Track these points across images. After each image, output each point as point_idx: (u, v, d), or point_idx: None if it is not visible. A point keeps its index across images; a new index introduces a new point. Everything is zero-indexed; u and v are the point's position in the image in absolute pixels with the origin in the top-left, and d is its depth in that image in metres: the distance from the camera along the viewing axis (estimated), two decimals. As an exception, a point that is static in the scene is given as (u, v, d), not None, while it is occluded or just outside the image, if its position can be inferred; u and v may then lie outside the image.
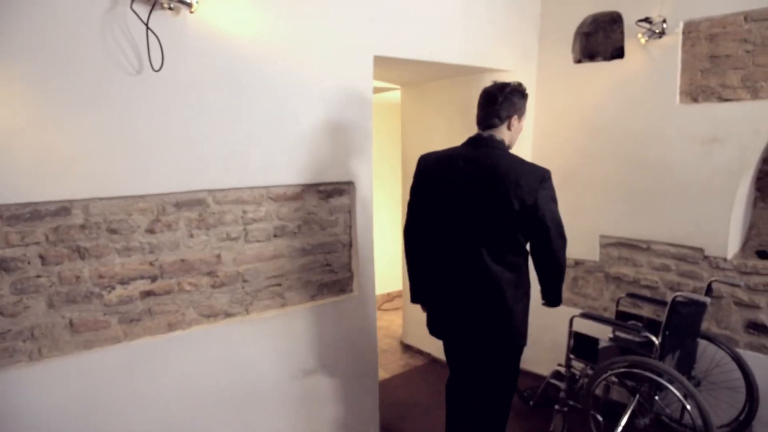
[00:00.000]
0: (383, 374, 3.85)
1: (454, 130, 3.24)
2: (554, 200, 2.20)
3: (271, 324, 2.55)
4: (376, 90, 4.29)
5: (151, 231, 2.20)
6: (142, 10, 2.00)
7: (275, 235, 2.56)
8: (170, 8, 2.07)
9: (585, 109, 3.45)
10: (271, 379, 2.58)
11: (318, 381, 2.76)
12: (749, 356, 2.86)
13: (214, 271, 2.38)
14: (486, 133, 2.24)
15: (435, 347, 4.09)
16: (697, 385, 2.99)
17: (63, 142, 1.93)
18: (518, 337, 2.29)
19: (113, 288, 2.13)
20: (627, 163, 3.27)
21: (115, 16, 1.97)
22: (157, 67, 2.07)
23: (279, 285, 2.59)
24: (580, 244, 3.52)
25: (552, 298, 2.37)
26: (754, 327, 2.89)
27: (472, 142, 2.27)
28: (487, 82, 2.34)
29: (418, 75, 3.68)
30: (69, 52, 1.90)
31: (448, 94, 3.79)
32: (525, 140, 3.67)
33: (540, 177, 2.16)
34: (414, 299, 2.51)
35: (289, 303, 2.63)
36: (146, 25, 2.01)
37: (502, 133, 2.25)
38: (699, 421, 2.39)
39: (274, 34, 2.39)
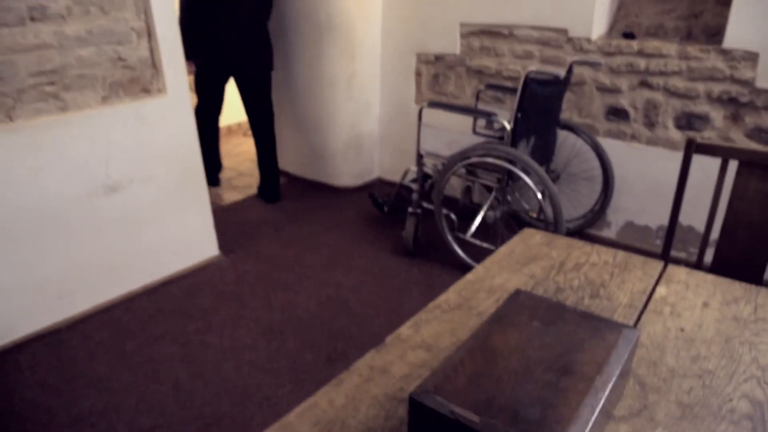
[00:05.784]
0: (237, 196, 3.48)
1: None
2: None
3: (47, 133, 2.03)
4: None
5: None
6: None
7: (33, 18, 1.94)
8: None
9: None
10: (62, 199, 2.11)
11: (130, 198, 2.33)
12: (608, 144, 2.73)
13: (-57, 64, 1.78)
14: None
15: (297, 165, 3.75)
16: (557, 179, 2.86)
17: None
18: None
19: None
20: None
21: None
22: None
23: (52, 84, 2.03)
24: (440, 36, 3.12)
25: None
26: (614, 113, 2.71)
27: None
28: None
29: None
30: None
31: None
32: None
33: None
34: None
35: (71, 107, 2.09)
36: None
37: None
38: (549, 211, 2.24)
39: None
